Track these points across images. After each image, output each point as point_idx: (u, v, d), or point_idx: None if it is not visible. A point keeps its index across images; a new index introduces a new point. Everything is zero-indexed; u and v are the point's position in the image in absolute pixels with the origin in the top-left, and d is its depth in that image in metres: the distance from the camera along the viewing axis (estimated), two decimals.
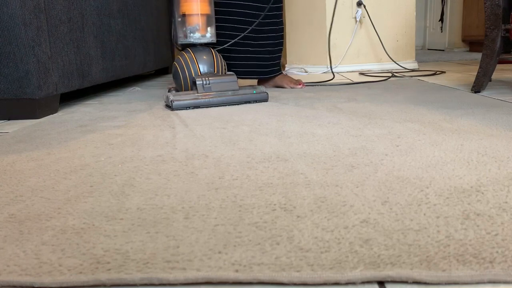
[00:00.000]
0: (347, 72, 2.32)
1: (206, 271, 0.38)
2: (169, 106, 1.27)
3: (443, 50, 4.43)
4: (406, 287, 0.36)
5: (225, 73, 1.44)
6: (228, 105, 1.31)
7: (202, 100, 1.28)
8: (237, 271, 0.38)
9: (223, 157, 0.74)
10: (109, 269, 0.39)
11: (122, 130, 1.01)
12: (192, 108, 1.27)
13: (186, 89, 1.41)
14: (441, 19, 4.56)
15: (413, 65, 2.39)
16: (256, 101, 1.34)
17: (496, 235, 0.42)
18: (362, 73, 2.19)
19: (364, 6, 2.29)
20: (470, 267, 0.37)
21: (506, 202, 0.50)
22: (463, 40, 4.32)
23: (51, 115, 1.27)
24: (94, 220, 0.50)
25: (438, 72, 2.09)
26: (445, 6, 4.48)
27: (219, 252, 0.41)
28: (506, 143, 0.76)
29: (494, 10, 1.32)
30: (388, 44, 2.35)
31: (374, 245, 0.41)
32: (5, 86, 1.19)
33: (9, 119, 1.23)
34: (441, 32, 4.60)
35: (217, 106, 1.29)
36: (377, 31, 2.31)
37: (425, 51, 4.38)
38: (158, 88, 1.92)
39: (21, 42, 1.15)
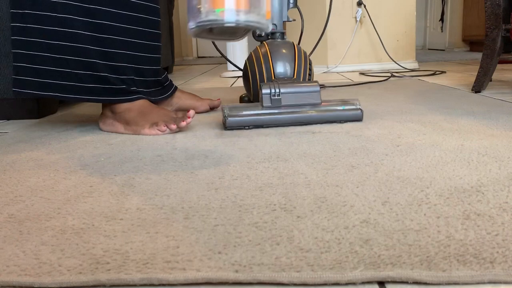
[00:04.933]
0: (347, 72, 2.32)
1: (206, 272, 0.38)
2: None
3: (444, 50, 4.43)
4: (406, 287, 0.36)
5: (308, 79, 1.11)
6: (304, 124, 0.99)
7: (267, 118, 0.97)
8: (237, 271, 0.38)
9: (223, 157, 0.74)
10: (109, 270, 0.39)
11: None
12: (251, 128, 0.97)
13: (256, 97, 1.12)
14: (442, 19, 4.56)
15: (413, 65, 2.39)
16: (345, 121, 1.00)
17: (496, 235, 0.42)
18: (362, 73, 2.19)
19: (364, 6, 2.29)
20: (471, 267, 0.37)
21: (506, 202, 0.50)
22: (464, 40, 4.32)
23: (51, 115, 1.27)
24: (94, 220, 0.50)
25: (438, 72, 2.09)
26: (445, 6, 4.48)
27: (219, 252, 0.41)
28: (507, 143, 0.76)
29: (495, 10, 1.31)
30: (388, 44, 2.35)
31: (374, 245, 0.41)
32: (5, 86, 1.19)
33: (9, 119, 1.23)
34: (442, 32, 4.60)
35: (288, 125, 0.98)
36: (377, 31, 2.31)
37: (426, 51, 4.38)
38: None
39: None
